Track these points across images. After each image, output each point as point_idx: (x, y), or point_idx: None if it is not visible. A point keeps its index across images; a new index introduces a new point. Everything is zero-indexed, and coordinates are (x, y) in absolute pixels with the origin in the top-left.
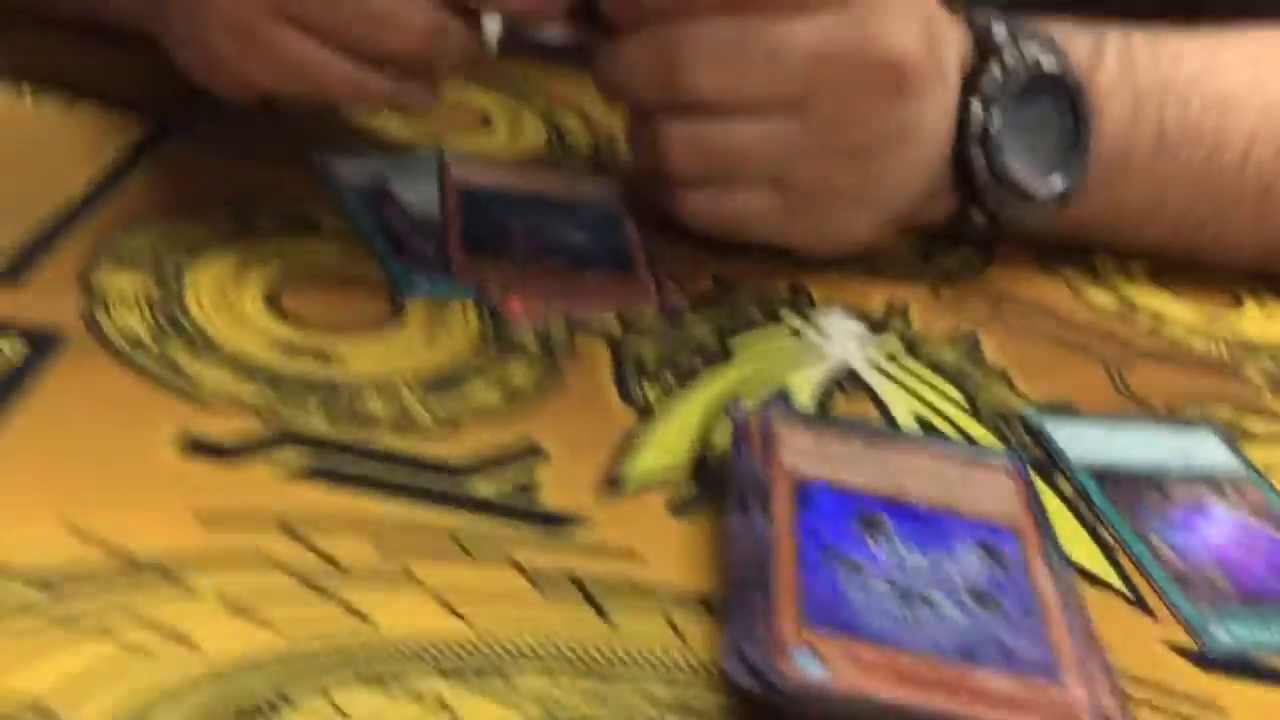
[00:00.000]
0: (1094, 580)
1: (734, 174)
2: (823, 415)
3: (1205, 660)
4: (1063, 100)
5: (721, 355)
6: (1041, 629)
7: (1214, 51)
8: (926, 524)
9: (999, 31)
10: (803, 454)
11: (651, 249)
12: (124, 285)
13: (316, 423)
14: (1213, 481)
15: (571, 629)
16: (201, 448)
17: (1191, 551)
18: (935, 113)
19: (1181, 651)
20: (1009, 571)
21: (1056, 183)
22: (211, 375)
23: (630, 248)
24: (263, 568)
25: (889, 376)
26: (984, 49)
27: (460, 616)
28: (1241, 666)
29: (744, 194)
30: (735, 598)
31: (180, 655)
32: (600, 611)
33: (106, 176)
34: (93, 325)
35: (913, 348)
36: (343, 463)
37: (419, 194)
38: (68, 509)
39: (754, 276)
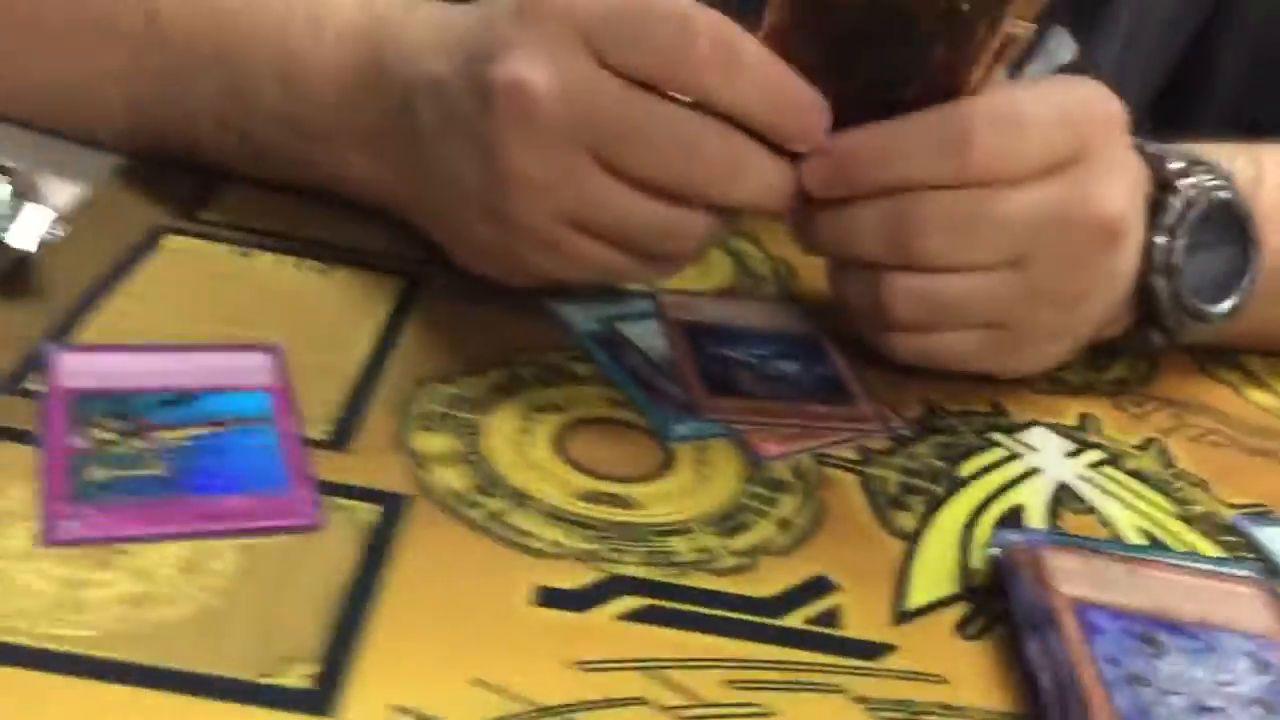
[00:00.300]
0: None
1: (952, 322)
2: (1074, 536)
3: None
4: (1234, 227)
5: (956, 481)
6: None
7: None
8: (1197, 640)
9: (1175, 165)
10: (1074, 578)
11: (857, 372)
12: (438, 446)
13: (635, 567)
14: None
15: None
16: (553, 599)
17: None
18: (1133, 254)
19: None
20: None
21: (1230, 300)
22: (539, 528)
23: (841, 376)
24: (639, 707)
25: (1103, 490)
26: (1163, 182)
27: None
28: None
29: (957, 336)
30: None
31: None
32: None
33: (385, 338)
34: (424, 486)
35: (1115, 459)
36: (670, 604)
37: (644, 335)
38: (466, 664)
39: (957, 396)
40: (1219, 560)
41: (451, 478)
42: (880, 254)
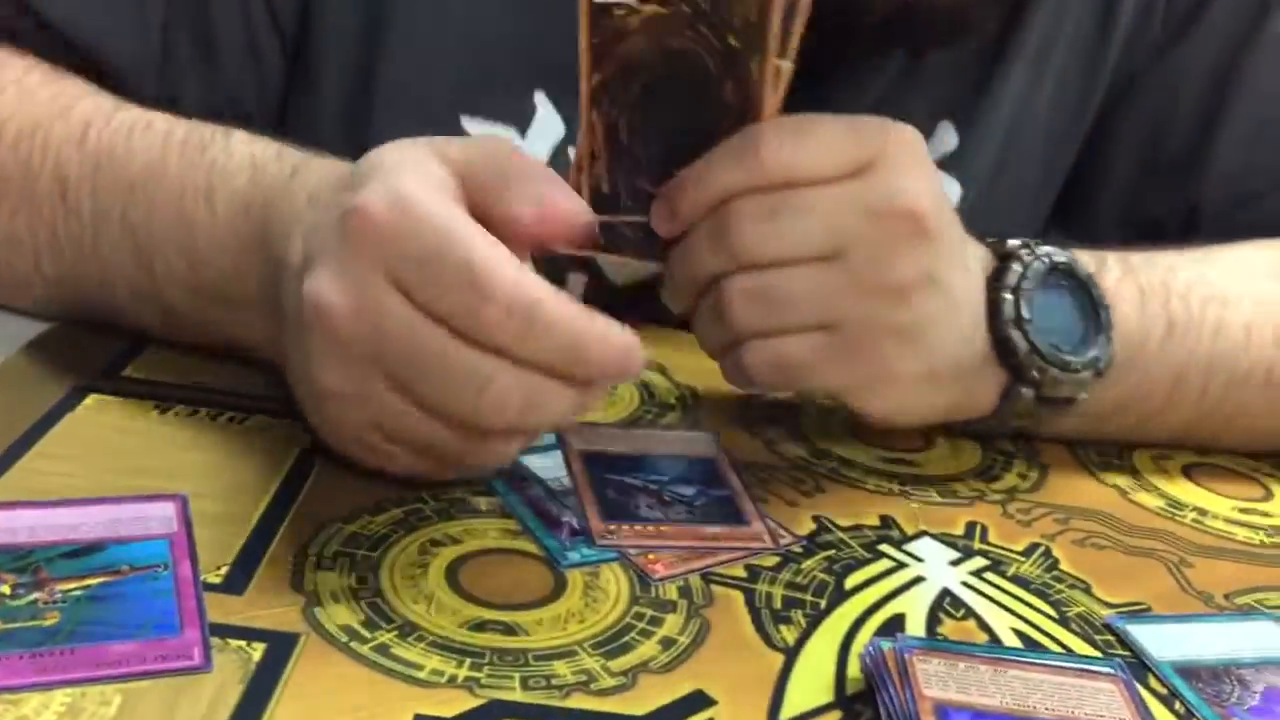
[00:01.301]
0: None
1: (787, 320)
2: (943, 640)
3: None
4: (1079, 290)
5: (842, 593)
6: None
7: (1201, 262)
8: None
9: (1015, 242)
10: (939, 680)
11: (753, 492)
12: (331, 584)
13: (517, 693)
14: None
15: None
16: None
17: None
18: (960, 276)
19: None
20: None
21: (1089, 351)
22: (421, 658)
23: (736, 497)
24: None
25: (984, 595)
26: (1002, 255)
27: None
28: None
29: (797, 340)
30: None
31: None
32: None
33: (289, 483)
34: (314, 623)
35: (997, 566)
36: None
37: (546, 466)
38: None
39: (849, 511)
40: (1087, 659)
41: (343, 614)
42: (712, 263)
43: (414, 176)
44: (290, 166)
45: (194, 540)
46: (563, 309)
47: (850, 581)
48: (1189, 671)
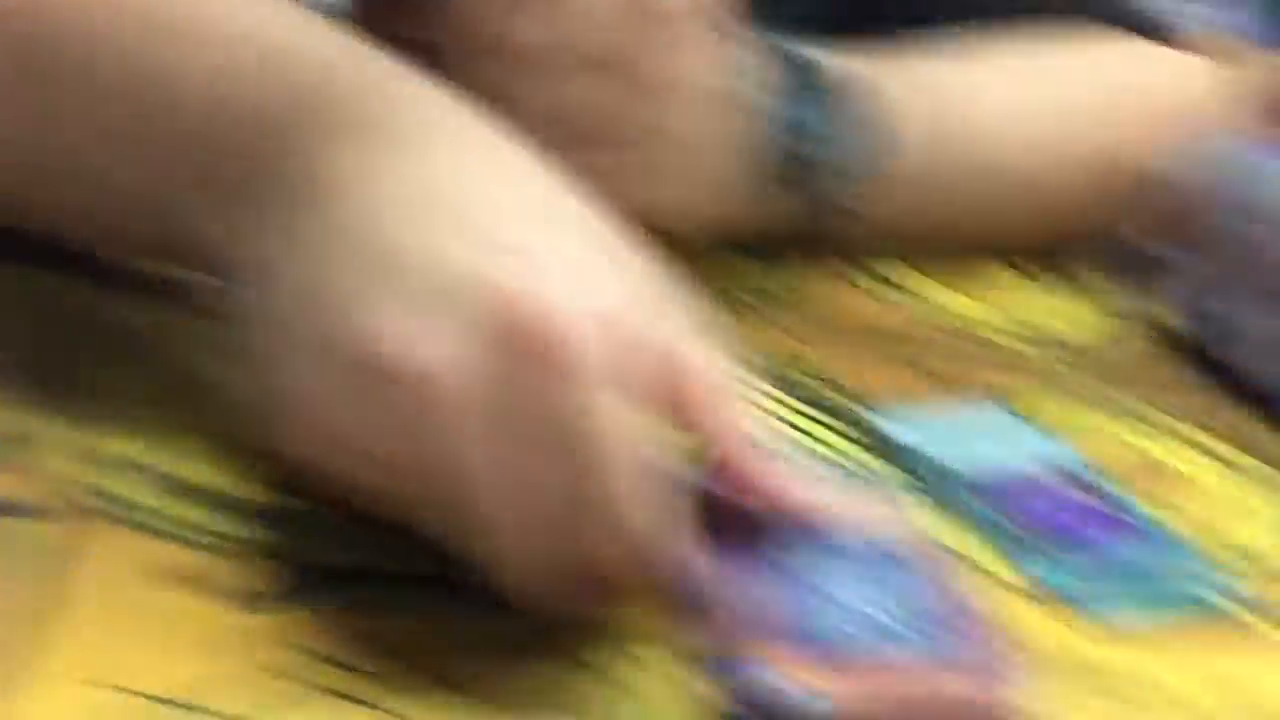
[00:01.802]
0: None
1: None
2: None
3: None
4: (840, 92)
5: None
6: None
7: (964, 66)
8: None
9: (769, 43)
10: None
11: None
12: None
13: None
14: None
15: None
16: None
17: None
18: (701, 61)
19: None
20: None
21: (864, 149)
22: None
23: None
24: None
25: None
26: (762, 57)
27: None
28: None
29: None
30: None
31: None
32: None
33: None
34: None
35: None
36: None
37: None
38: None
39: None
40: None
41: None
42: None
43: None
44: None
45: None
46: None
47: None
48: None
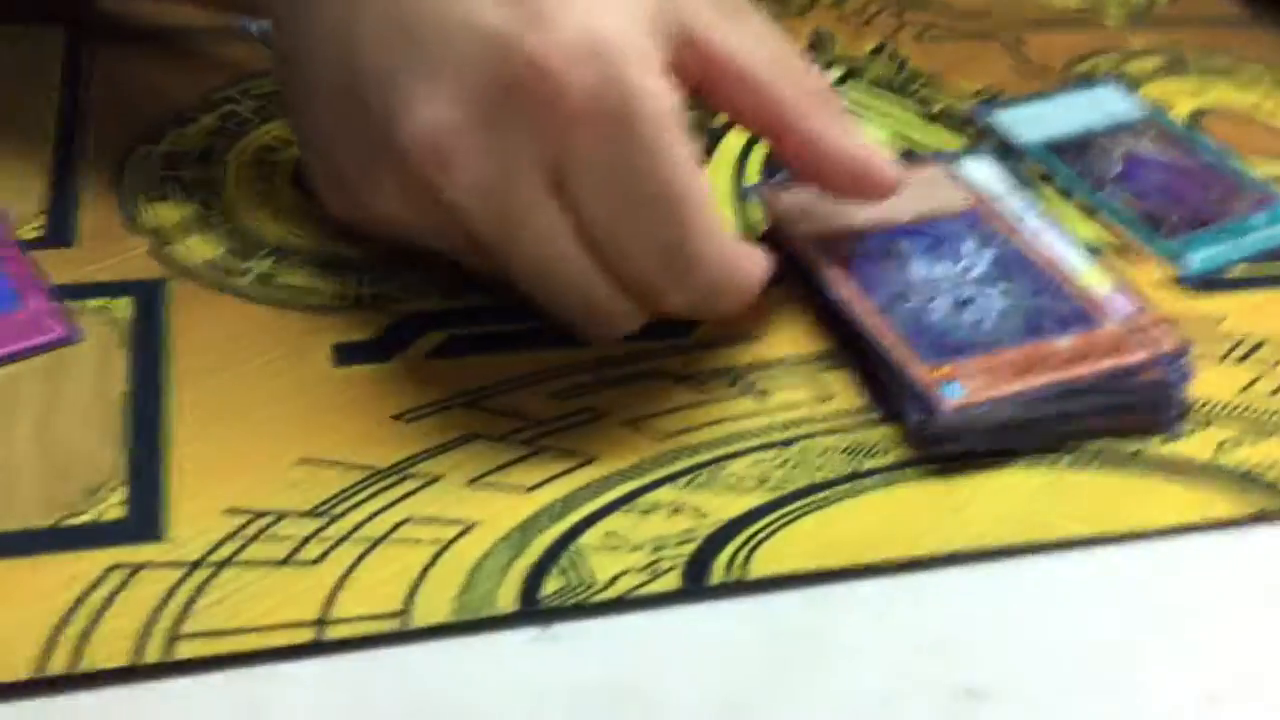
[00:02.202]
0: (1093, 250)
1: None
2: None
3: (1187, 283)
4: None
5: (713, 133)
6: (1057, 283)
7: None
8: (927, 237)
9: None
10: (806, 218)
11: None
12: (171, 216)
13: (428, 300)
14: (1132, 129)
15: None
16: (354, 354)
17: (1146, 195)
18: None
19: (1173, 282)
20: (1002, 248)
21: None
22: (313, 280)
23: None
24: (473, 443)
25: (851, 107)
26: None
27: None
28: (1214, 283)
29: None
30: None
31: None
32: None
33: (65, 104)
34: (173, 264)
35: (854, 73)
36: (473, 330)
37: None
38: (285, 446)
39: None
40: (955, 153)
41: (201, 247)
42: None
43: (634, 40)
44: None
45: None
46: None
47: (720, 117)
48: (1057, 148)
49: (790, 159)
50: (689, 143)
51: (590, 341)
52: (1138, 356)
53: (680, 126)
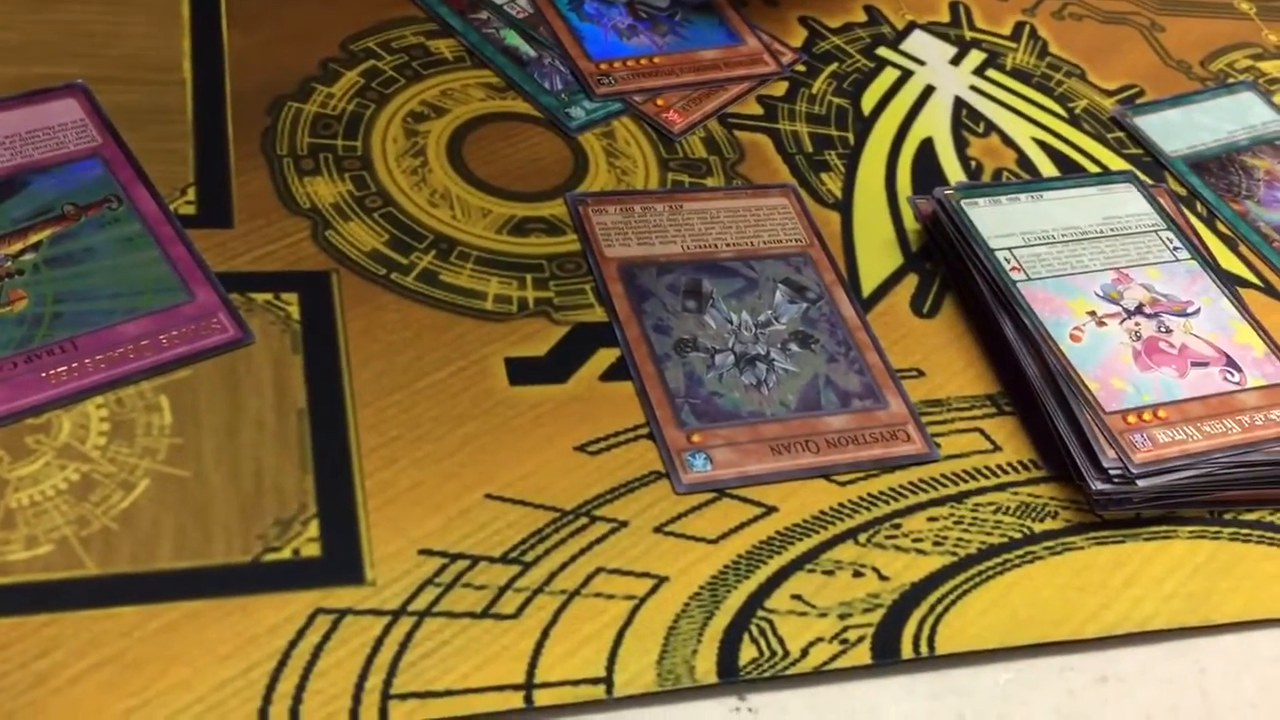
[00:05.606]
0: (1242, 283)
1: None
2: (982, 184)
3: None
4: None
5: (861, 121)
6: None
7: None
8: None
9: None
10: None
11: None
12: (326, 192)
13: (593, 311)
14: (1272, 144)
15: None
16: (529, 373)
17: None
18: None
19: None
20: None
21: None
22: (477, 283)
23: (724, 14)
24: (658, 484)
25: (995, 100)
26: None
27: None
28: None
29: None
30: None
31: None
32: None
33: (201, 55)
34: (334, 251)
35: (995, 60)
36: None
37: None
38: (472, 477)
39: (831, 10)
40: (1107, 176)
41: (361, 235)
42: None
43: None
44: None
45: (129, 149)
46: None
47: (867, 103)
48: (1200, 166)
49: None
50: None
51: None
52: None
53: None
